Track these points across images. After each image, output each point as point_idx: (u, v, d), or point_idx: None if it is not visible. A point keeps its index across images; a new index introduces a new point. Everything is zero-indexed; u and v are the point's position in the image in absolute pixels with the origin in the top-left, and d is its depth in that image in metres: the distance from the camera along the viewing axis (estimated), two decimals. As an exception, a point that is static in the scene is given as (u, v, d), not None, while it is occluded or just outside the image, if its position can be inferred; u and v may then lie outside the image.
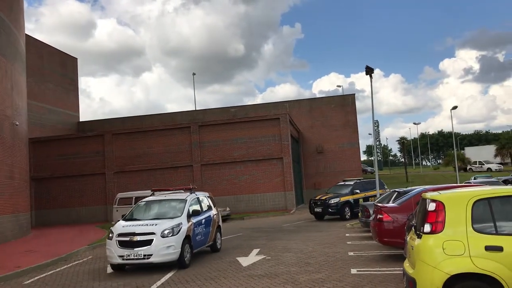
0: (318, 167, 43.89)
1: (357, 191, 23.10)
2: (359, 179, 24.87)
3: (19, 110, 22.89)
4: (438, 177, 57.45)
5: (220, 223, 14.61)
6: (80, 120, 47.17)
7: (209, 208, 13.84)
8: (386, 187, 24.29)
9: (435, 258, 5.46)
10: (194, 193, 13.37)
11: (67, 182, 34.07)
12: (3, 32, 20.83)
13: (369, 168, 73.58)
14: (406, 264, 6.41)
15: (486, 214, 5.61)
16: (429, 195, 6.16)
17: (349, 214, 22.30)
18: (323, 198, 22.90)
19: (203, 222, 12.66)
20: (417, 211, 6.64)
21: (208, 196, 14.44)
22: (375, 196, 22.36)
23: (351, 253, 11.99)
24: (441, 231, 5.57)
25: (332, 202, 22.41)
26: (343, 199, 22.48)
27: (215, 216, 13.94)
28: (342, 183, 24.88)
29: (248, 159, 32.38)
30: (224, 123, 34.04)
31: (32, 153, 32.48)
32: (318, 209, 22.87)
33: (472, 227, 5.48)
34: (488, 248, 5.32)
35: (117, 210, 25.23)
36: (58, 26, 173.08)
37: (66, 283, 10.50)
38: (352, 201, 22.52)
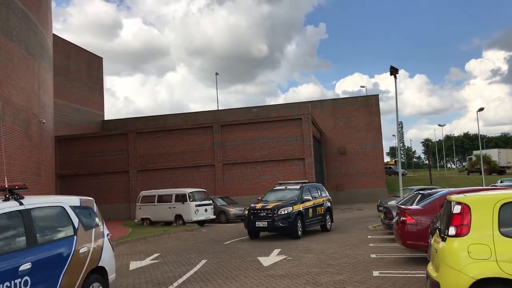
0: (340, 168, 43.63)
1: (308, 197, 17.72)
2: (304, 182, 19.27)
3: (46, 108, 23.37)
4: (463, 179, 56.41)
5: (107, 264, 7.31)
6: (105, 118, 47.94)
7: (72, 233, 6.74)
8: (327, 194, 20.02)
9: (460, 261, 5.34)
10: (15, 199, 6.04)
11: (91, 179, 34.64)
12: (31, 32, 21.29)
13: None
14: (430, 267, 6.30)
15: (514, 217, 5.46)
16: (454, 197, 6.04)
17: (300, 229, 16.60)
18: (269, 207, 16.54)
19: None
20: (442, 213, 6.52)
21: (80, 207, 7.27)
22: (322, 205, 18.59)
23: (373, 255, 11.86)
24: (467, 234, 5.45)
25: (284, 212, 16.23)
26: (296, 207, 16.59)
27: (85, 249, 6.77)
28: (282, 187, 18.78)
29: (269, 159, 32.38)
30: (247, 123, 34.13)
31: (58, 150, 33.10)
32: (262, 223, 16.43)
33: (499, 230, 5.34)
34: (515, 253, 5.18)
35: (140, 208, 25.61)
36: (84, 26, 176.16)
37: (89, 278, 10.64)
38: (303, 211, 16.93)
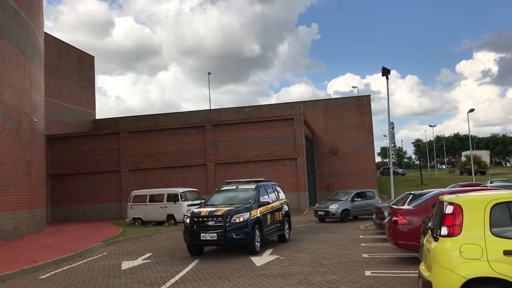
0: (332, 168, 43.74)
1: (266, 200, 14.22)
2: (260, 180, 15.57)
3: (37, 107, 23.20)
4: (454, 180, 56.83)
5: None
6: (96, 117, 47.67)
7: None
8: (284, 196, 16.50)
9: (452, 261, 5.40)
10: None
11: (82, 179, 34.44)
12: (22, 30, 21.12)
13: (400, 170, 74.24)
14: (422, 267, 6.36)
15: (504, 218, 5.53)
16: (446, 197, 6.10)
17: (259, 241, 13.02)
18: (219, 213, 12.69)
19: None
20: (434, 213, 6.58)
21: None
22: (280, 209, 15.25)
23: (365, 255, 11.93)
24: (458, 234, 5.51)
25: (239, 220, 12.51)
26: (253, 213, 12.99)
27: None
28: (232, 187, 15.11)
29: (262, 159, 32.41)
30: (239, 122, 34.13)
31: (49, 149, 32.84)
32: (209, 235, 12.46)
33: (490, 230, 5.40)
34: (506, 253, 5.24)
35: (131, 208, 25.51)
36: (76, 25, 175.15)
37: (81, 278, 10.62)
38: (261, 217, 13.39)
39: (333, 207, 23.00)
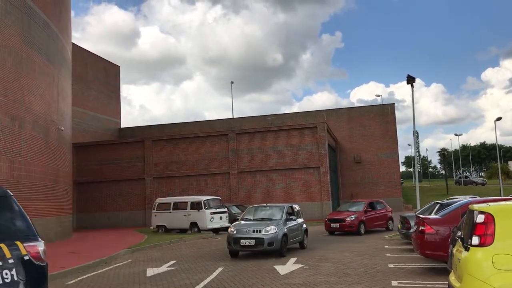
0: (355, 177, 43.36)
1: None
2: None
3: (64, 115, 23.69)
4: (480, 189, 55.61)
5: None
6: (121, 126, 48.39)
7: None
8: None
9: (484, 272, 5.26)
10: None
11: (107, 186, 34.93)
12: (51, 41, 21.66)
13: (479, 180, 68.83)
14: (452, 277, 6.22)
15: (539, 228, 5.38)
16: (477, 206, 5.97)
17: None
18: None
19: None
20: (464, 222, 6.45)
21: None
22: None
23: (391, 265, 11.75)
24: (491, 244, 5.37)
25: None
26: None
27: None
28: None
29: (284, 168, 32.35)
30: (261, 131, 34.18)
31: (75, 157, 33.45)
32: None
33: (524, 241, 5.26)
34: (541, 264, 5.09)
35: (155, 215, 25.71)
36: (103, 35, 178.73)
37: (107, 284, 10.72)
38: None
39: (270, 232, 14.00)
